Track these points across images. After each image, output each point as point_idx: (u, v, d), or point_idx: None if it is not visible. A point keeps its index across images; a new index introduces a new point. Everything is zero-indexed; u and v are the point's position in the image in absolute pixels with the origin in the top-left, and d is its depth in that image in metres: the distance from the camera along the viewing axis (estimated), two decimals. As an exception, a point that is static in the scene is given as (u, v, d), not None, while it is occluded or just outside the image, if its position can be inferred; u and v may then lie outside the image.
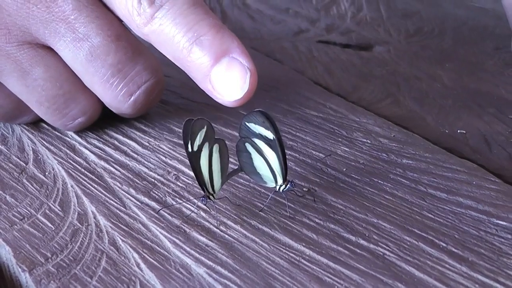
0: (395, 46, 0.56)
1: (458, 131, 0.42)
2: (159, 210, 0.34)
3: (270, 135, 0.32)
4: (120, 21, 0.37)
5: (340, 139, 0.40)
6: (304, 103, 0.45)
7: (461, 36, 0.58)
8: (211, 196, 0.33)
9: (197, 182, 0.32)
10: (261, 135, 0.32)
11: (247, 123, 0.32)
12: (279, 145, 0.32)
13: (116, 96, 0.38)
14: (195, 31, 0.33)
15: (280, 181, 0.33)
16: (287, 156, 0.37)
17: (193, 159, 0.32)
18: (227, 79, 0.33)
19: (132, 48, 0.37)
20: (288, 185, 0.33)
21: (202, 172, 0.32)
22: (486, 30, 0.59)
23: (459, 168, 0.37)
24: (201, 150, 0.31)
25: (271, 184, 0.33)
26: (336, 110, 0.44)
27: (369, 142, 0.40)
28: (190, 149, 0.31)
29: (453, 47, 0.56)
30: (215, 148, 0.32)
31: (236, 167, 0.34)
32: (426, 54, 0.55)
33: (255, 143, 0.32)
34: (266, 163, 0.32)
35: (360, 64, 0.52)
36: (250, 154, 0.33)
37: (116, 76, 0.37)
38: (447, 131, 0.42)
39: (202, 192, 0.33)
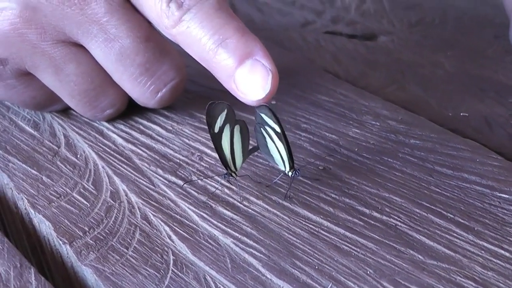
0: (398, 36, 0.58)
1: (461, 113, 0.44)
2: (183, 184, 0.36)
3: (277, 128, 0.33)
4: (149, 23, 0.39)
5: (351, 122, 0.42)
6: (316, 89, 0.47)
7: (461, 26, 0.60)
8: (233, 174, 0.35)
9: (220, 161, 0.34)
10: (270, 125, 0.34)
11: (260, 113, 0.34)
12: (284, 139, 0.33)
13: (144, 92, 0.40)
14: (220, 34, 0.34)
15: (287, 167, 0.34)
16: (302, 138, 0.40)
17: (215, 140, 0.34)
18: (250, 80, 0.34)
19: (159, 48, 0.39)
20: (294, 173, 0.34)
21: (224, 151, 0.34)
22: (485, 19, 0.61)
23: (463, 147, 0.39)
24: (222, 132, 0.33)
25: (281, 167, 0.35)
26: (346, 95, 0.46)
27: (378, 124, 0.42)
28: (217, 130, 0.33)
29: (454, 36, 0.57)
30: (236, 128, 0.34)
31: (255, 145, 0.36)
32: (428, 43, 0.56)
33: (268, 131, 0.34)
34: (276, 149, 0.34)
35: (366, 53, 0.54)
36: (265, 137, 0.35)
37: (144, 75, 0.39)
38: (450, 114, 0.44)
39: (224, 170, 0.35)
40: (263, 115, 0.34)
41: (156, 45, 0.39)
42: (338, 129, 0.41)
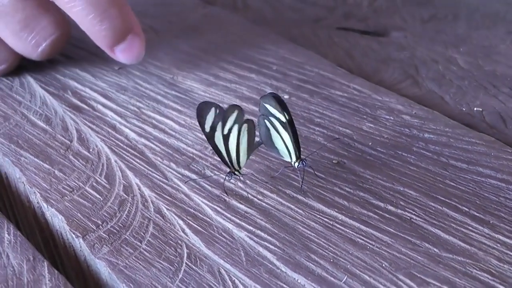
0: (411, 32, 0.58)
1: (475, 109, 0.44)
2: (186, 182, 0.36)
3: (282, 117, 0.33)
4: None
5: (365, 116, 0.42)
6: (329, 84, 0.46)
7: (474, 22, 0.59)
8: (236, 172, 0.34)
9: (222, 162, 0.34)
10: (275, 116, 0.34)
11: (264, 104, 0.34)
12: (290, 127, 0.33)
13: (26, 47, 0.44)
14: (105, 11, 0.41)
15: (294, 158, 0.34)
16: (316, 132, 0.40)
17: (225, 140, 0.33)
18: (129, 51, 0.45)
19: (38, 5, 0.43)
20: (300, 163, 0.34)
21: (230, 151, 0.34)
22: (497, 16, 0.60)
23: (478, 141, 0.38)
24: (231, 132, 0.33)
25: (287, 158, 0.35)
26: (359, 90, 0.45)
27: (392, 118, 0.41)
28: (208, 130, 0.33)
29: (467, 32, 0.57)
30: (244, 128, 0.33)
31: (258, 140, 0.36)
32: (441, 39, 0.56)
33: (272, 122, 0.34)
34: (282, 140, 0.34)
35: (379, 49, 0.54)
36: (269, 129, 0.34)
37: (25, 31, 0.43)
38: (464, 109, 0.44)
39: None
40: (267, 106, 0.34)
41: (35, 2, 0.43)
42: (352, 124, 0.41)
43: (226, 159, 0.34)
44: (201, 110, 0.33)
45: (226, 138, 0.33)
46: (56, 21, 0.44)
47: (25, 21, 0.42)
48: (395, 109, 0.43)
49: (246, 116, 0.33)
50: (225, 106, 0.33)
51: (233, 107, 0.33)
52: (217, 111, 0.33)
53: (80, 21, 0.42)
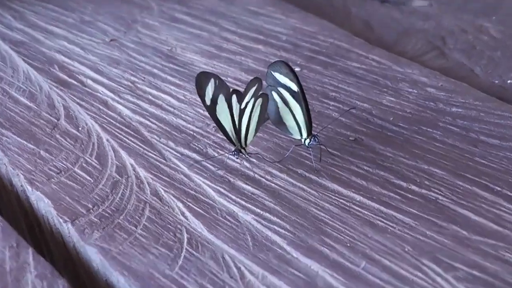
0: (436, 0, 0.58)
1: (509, 81, 0.44)
2: (190, 166, 0.36)
3: (294, 86, 0.33)
4: None
5: (385, 89, 0.42)
6: (345, 55, 0.46)
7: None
8: (242, 150, 0.34)
9: (227, 138, 0.34)
10: (285, 85, 0.34)
11: (272, 72, 0.34)
12: (302, 98, 0.33)
13: None
14: None
15: (304, 134, 0.34)
16: (330, 107, 0.40)
17: (240, 114, 0.33)
18: None
19: None
20: (312, 140, 0.34)
21: (242, 127, 0.34)
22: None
23: (511, 115, 0.38)
24: (246, 107, 0.33)
25: (296, 135, 0.35)
26: (379, 61, 0.45)
27: (415, 91, 0.41)
28: (208, 103, 0.33)
29: (497, 0, 0.57)
30: (258, 103, 0.33)
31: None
32: (471, 7, 0.56)
33: (281, 93, 0.34)
34: (291, 114, 0.34)
35: (401, 19, 0.54)
36: (276, 103, 0.34)
37: None
38: (496, 82, 0.44)
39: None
40: (276, 74, 0.34)
41: None
42: (371, 98, 0.41)
43: (233, 135, 0.34)
44: (200, 81, 0.33)
45: (241, 112, 0.33)
46: None
47: None
48: (418, 82, 0.43)
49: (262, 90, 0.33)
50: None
51: (255, 80, 0.33)
52: (217, 82, 0.33)
53: None
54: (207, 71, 0.35)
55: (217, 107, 0.33)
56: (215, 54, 0.47)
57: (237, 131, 0.34)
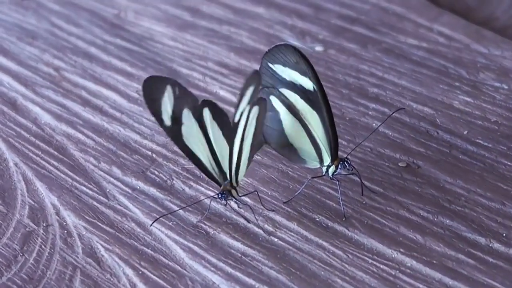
0: None
1: None
2: (151, 224, 0.30)
3: (308, 84, 0.28)
4: None
5: (457, 84, 0.37)
6: (395, 25, 0.42)
7: None
8: (233, 191, 0.30)
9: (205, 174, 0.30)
10: (294, 83, 0.29)
11: (270, 64, 0.29)
12: (323, 101, 0.28)
13: None
14: None
15: (327, 159, 0.30)
16: (369, 113, 0.35)
17: (227, 135, 0.29)
18: None
19: None
20: (339, 167, 0.29)
21: (233, 154, 0.29)
22: None
23: None
24: (240, 120, 0.28)
25: (312, 163, 0.30)
26: (449, 36, 0.40)
27: (505, 87, 0.37)
28: (168, 123, 0.28)
29: None
30: (253, 113, 0.28)
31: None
32: None
33: (285, 97, 0.29)
34: (304, 130, 0.29)
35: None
36: (277, 114, 0.30)
37: None
38: None
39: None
40: (276, 67, 0.29)
41: None
42: (435, 97, 0.36)
43: (213, 169, 0.29)
44: (149, 90, 0.28)
45: (233, 129, 0.28)
46: None
47: None
48: (510, 70, 0.38)
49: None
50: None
51: (254, 75, 0.27)
52: (176, 90, 0.28)
53: None
54: (158, 75, 0.30)
55: (183, 129, 0.28)
56: (188, 23, 0.43)
57: (218, 161, 0.29)
